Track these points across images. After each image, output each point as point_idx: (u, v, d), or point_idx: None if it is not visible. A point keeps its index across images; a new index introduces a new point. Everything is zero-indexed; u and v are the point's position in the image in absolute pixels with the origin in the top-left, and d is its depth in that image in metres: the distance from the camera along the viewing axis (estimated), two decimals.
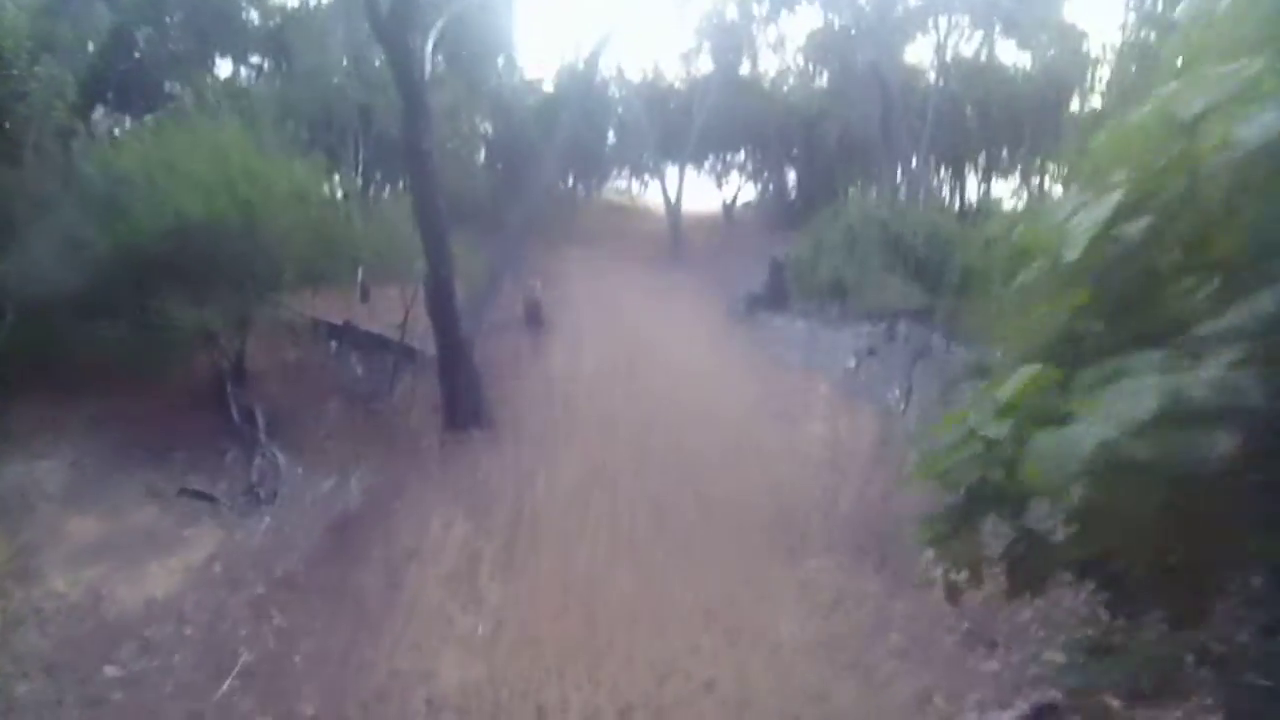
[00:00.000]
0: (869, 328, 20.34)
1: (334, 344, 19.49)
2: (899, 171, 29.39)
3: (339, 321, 20.04)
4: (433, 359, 17.41)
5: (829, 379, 17.99)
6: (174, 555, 12.52)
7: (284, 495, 13.83)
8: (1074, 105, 30.26)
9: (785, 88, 35.56)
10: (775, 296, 21.91)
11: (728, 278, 25.91)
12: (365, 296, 22.58)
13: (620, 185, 41.66)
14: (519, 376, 18.36)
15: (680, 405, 16.62)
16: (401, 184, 25.25)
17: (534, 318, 21.38)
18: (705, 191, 39.80)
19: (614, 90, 35.73)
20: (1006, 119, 31.10)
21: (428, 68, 14.89)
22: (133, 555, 12.53)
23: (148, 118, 21.62)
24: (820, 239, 22.79)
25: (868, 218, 22.51)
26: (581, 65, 33.57)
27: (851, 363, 18.49)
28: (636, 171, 37.66)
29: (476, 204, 31.78)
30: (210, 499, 13.86)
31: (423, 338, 18.15)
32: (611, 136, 38.01)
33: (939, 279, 21.38)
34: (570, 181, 39.06)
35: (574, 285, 25.16)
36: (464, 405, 15.73)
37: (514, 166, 34.43)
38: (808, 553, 11.88)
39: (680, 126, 33.08)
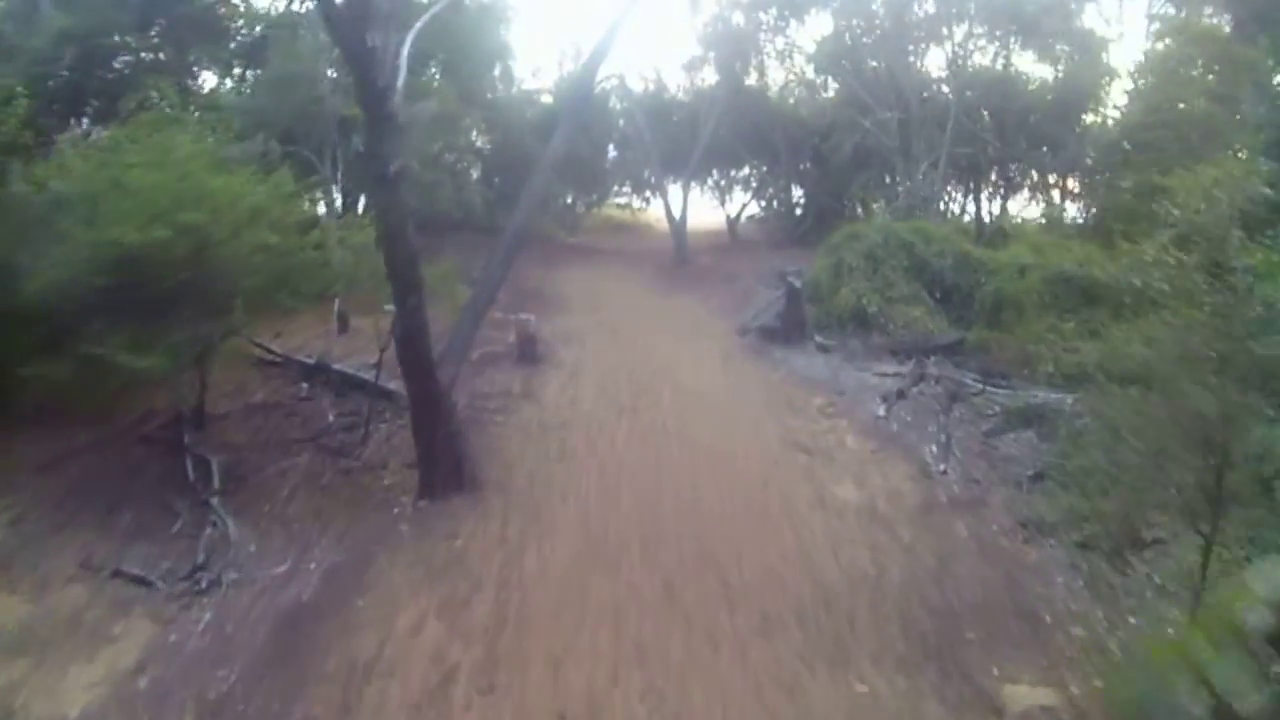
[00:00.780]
0: (895, 365, 18.00)
1: (305, 385, 17.14)
2: (914, 186, 27.06)
3: (311, 359, 17.70)
4: None
5: (856, 427, 15.66)
6: (98, 657, 10.20)
7: (231, 580, 11.47)
8: (1094, 116, 28.04)
9: (793, 99, 33.26)
10: (791, 327, 19.54)
11: (735, 301, 23.62)
12: (344, 327, 20.30)
13: (622, 201, 39.39)
14: (509, 423, 15.99)
15: (692, 459, 14.30)
16: None
17: (528, 352, 19.02)
18: (708, 206, 37.84)
19: (615, 102, 33.39)
20: (1024, 131, 28.93)
21: (401, 74, 12.44)
22: (54, 652, 10.28)
23: (106, 132, 19.28)
24: (839, 261, 20.45)
25: (892, 238, 20.18)
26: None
27: (880, 408, 16.12)
28: (638, 187, 35.25)
29: (473, 222, 29.89)
30: (147, 583, 11.51)
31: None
32: (613, 150, 35.79)
33: (968, 307, 19.17)
34: (570, 198, 36.78)
35: (571, 312, 22.87)
36: (442, 464, 13.33)
37: (511, 181, 32.26)
38: (853, 659, 9.54)
39: (683, 139, 30.78)
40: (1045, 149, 28.47)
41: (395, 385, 15.56)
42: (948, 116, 26.58)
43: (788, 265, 23.19)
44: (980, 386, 16.76)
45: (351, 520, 12.87)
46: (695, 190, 37.21)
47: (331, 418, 16.09)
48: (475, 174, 33.19)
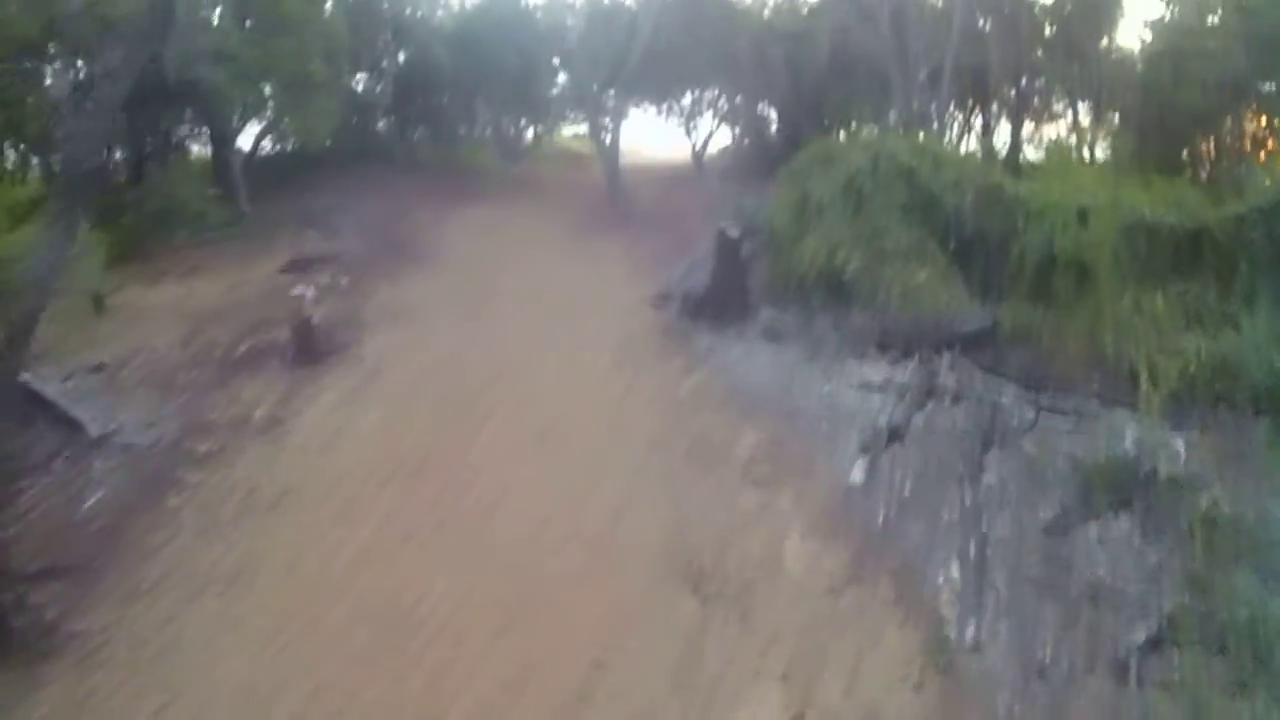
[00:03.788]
0: (886, 366, 10.10)
1: None
2: (908, 101, 18.59)
3: None
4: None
5: (808, 508, 7.91)
6: None
7: None
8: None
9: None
10: (726, 298, 11.56)
11: (669, 250, 15.58)
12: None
13: (580, 130, 30.74)
14: (206, 486, 8.51)
15: (520, 594, 6.68)
16: None
17: (305, 346, 11.37)
18: (676, 137, 29.47)
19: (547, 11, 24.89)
20: (1040, 43, 20.49)
21: None
22: None
23: None
24: (803, 196, 12.32)
25: (883, 161, 12.00)
26: None
27: (857, 466, 8.30)
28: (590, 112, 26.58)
29: (380, 153, 22.37)
30: None
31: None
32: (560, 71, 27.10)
33: (1000, 269, 11.27)
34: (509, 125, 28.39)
35: (435, 269, 15.02)
36: None
37: (428, 107, 24.10)
38: None
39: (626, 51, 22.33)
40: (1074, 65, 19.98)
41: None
42: (952, 10, 18.12)
43: (745, 201, 15.33)
44: (1031, 413, 8.94)
45: None
46: (656, 115, 29.12)
47: None
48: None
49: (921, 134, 15.89)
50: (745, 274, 11.71)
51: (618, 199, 19.92)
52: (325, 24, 17.58)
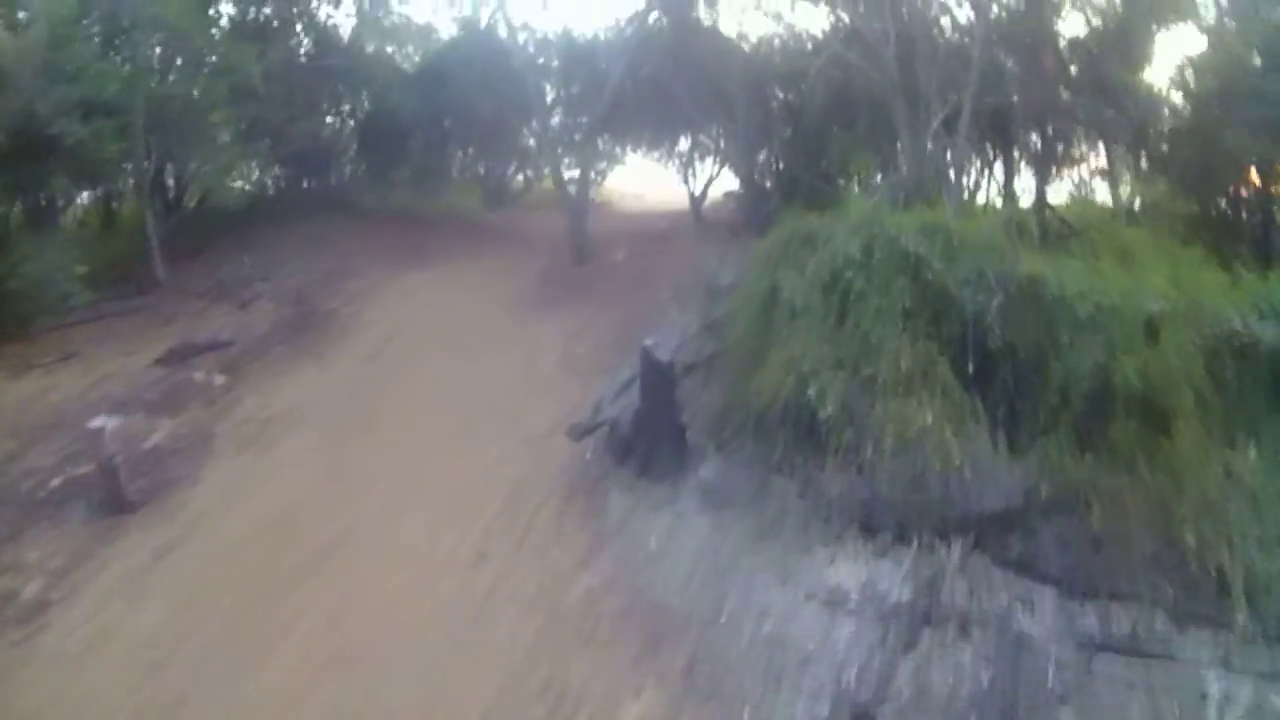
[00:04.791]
0: (870, 562, 6.90)
1: None
2: (919, 150, 15.29)
3: None
4: None
5: None
6: None
7: None
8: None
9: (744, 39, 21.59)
10: (658, 437, 8.34)
11: (623, 333, 12.50)
12: None
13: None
14: None
15: None
16: None
17: (113, 492, 8.49)
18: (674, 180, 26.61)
19: (529, 47, 22.03)
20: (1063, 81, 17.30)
21: None
22: None
23: None
24: (773, 291, 9.07)
25: (880, 247, 8.76)
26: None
27: None
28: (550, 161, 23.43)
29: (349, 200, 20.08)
30: None
31: None
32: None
33: (1035, 397, 8.10)
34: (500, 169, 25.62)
35: (340, 353, 12.25)
36: None
37: (390, 150, 21.16)
38: None
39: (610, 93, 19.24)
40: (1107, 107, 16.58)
41: None
42: (970, 47, 14.88)
43: (722, 272, 12.30)
44: (1075, 652, 5.82)
45: None
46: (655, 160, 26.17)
47: None
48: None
49: (932, 199, 12.64)
50: (677, 408, 8.48)
51: (584, 257, 16.77)
52: (230, 64, 14.61)
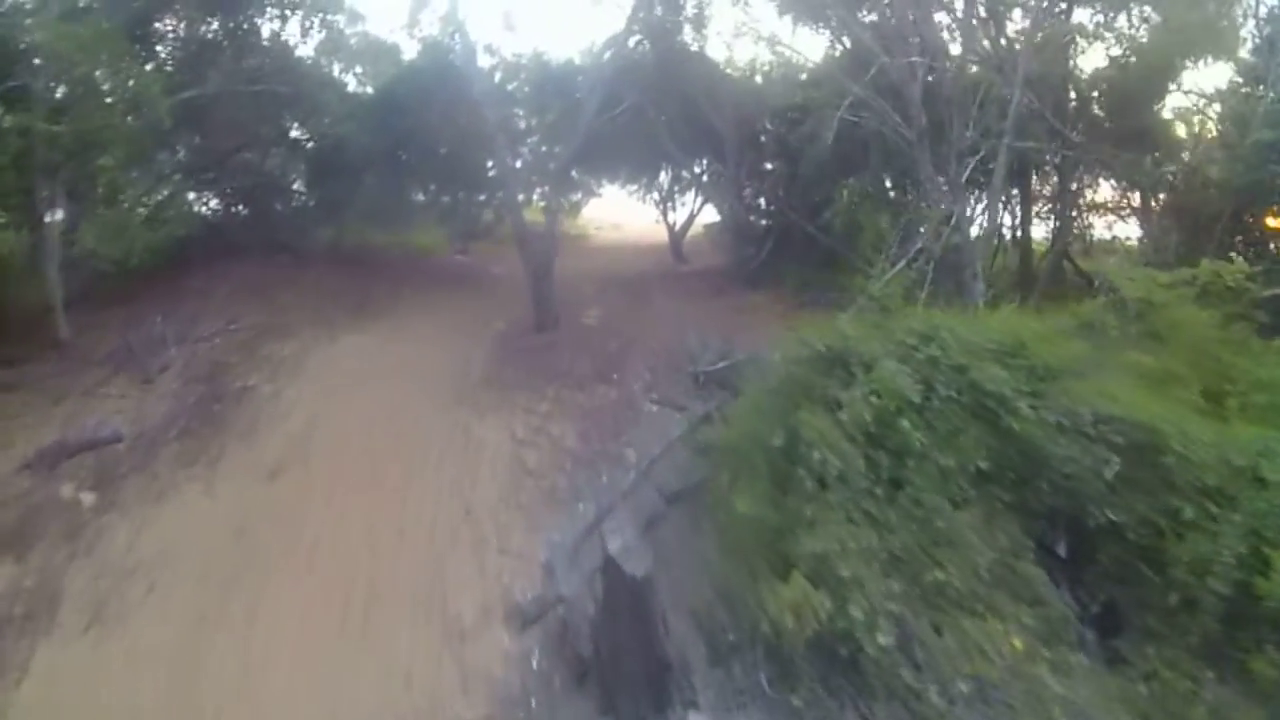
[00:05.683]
0: None
1: None
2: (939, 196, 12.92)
3: None
4: None
5: None
6: None
7: None
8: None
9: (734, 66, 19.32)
10: (624, 671, 5.77)
11: (602, 439, 10.12)
12: None
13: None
14: None
15: None
16: None
17: None
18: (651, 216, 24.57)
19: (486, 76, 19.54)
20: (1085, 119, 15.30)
21: None
22: None
23: None
24: (788, 452, 6.46)
25: (943, 375, 6.37)
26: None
27: None
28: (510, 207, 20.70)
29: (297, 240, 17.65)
30: None
31: None
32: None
33: (1156, 603, 5.60)
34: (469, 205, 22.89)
35: (219, 482, 9.82)
36: None
37: (341, 186, 18.53)
38: None
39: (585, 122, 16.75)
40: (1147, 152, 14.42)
41: None
42: (999, 85, 12.57)
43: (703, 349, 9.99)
44: None
45: None
46: (632, 194, 23.93)
47: None
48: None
49: (964, 279, 10.30)
50: (657, 636, 5.96)
51: (547, 324, 14.25)
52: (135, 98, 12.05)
